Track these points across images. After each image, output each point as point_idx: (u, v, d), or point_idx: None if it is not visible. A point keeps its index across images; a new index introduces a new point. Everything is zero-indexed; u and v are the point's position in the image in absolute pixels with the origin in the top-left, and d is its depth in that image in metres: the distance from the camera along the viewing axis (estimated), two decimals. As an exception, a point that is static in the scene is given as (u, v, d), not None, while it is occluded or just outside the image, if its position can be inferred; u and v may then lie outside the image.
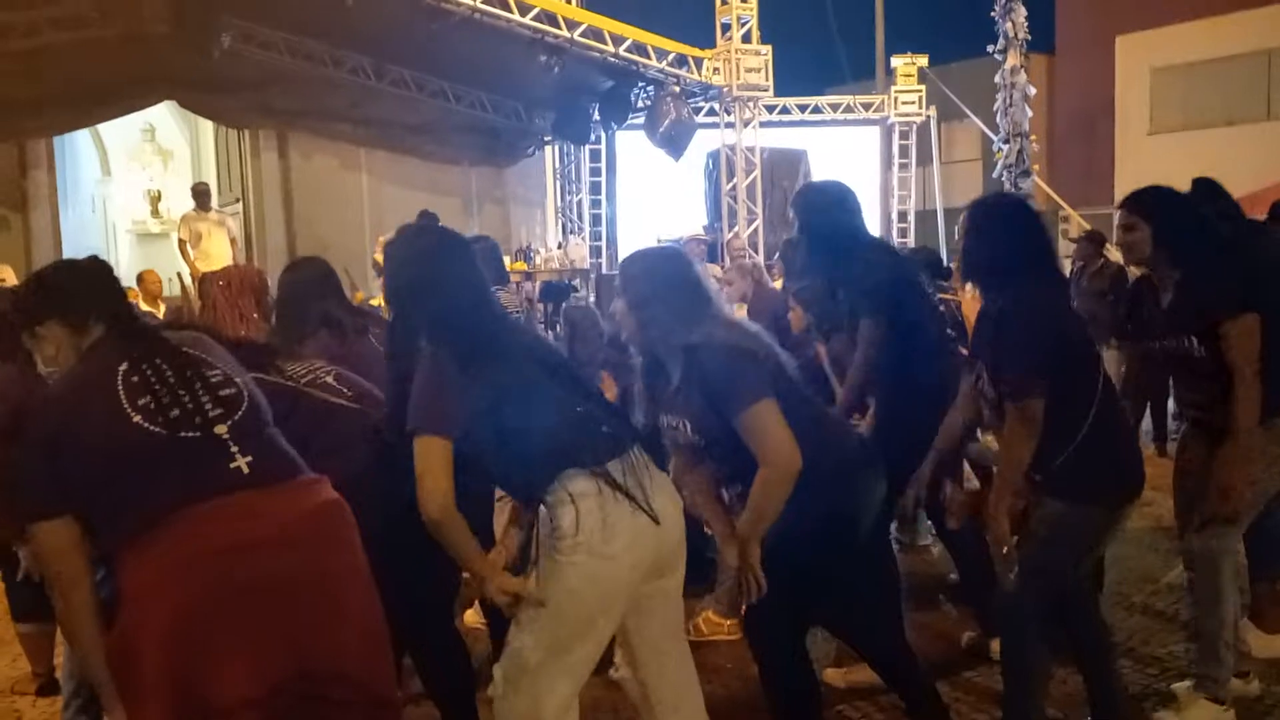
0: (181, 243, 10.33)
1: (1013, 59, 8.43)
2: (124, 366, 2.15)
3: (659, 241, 11.82)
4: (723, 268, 9.38)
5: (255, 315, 3.81)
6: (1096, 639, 3.16)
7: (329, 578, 2.14)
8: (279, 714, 2.04)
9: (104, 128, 13.18)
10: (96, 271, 2.39)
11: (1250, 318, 3.09)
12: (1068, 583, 3.02)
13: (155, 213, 14.41)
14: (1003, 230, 3.02)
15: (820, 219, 3.72)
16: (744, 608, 2.88)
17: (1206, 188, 3.87)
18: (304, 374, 2.81)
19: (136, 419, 2.09)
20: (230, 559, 2.02)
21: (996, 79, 8.59)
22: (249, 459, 2.13)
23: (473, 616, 4.23)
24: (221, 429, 2.14)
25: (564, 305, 10.17)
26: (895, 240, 13.97)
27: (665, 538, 2.50)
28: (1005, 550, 2.93)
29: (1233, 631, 3.32)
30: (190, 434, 2.11)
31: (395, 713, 2.34)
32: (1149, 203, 3.30)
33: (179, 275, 10.22)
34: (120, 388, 2.12)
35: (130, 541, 2.05)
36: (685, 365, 2.69)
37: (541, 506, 2.46)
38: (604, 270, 13.79)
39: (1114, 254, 9.36)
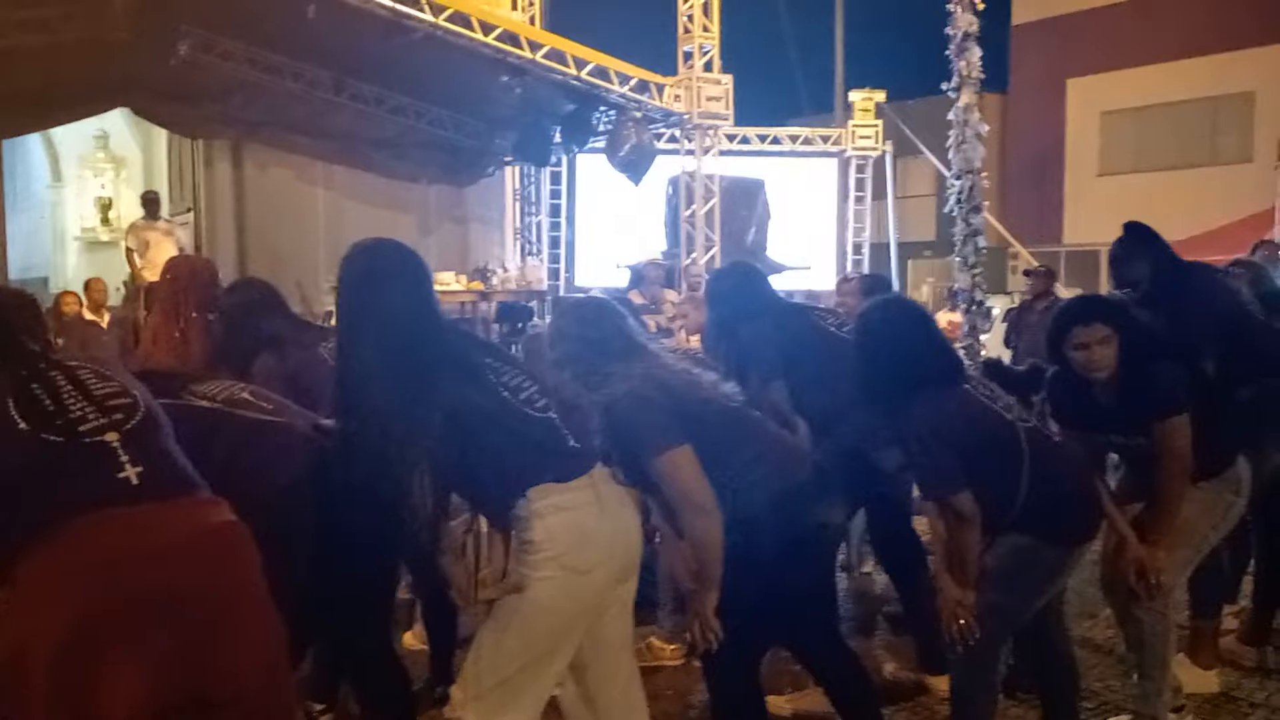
0: (129, 251, 10.21)
1: (966, 97, 8.56)
2: (12, 382, 2.13)
3: (618, 266, 11.88)
4: (679, 293, 9.43)
5: (194, 314, 3.78)
6: (1065, 677, 3.20)
7: (226, 597, 2.08)
8: None
9: (56, 134, 13.01)
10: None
11: (1183, 419, 3.17)
12: (1024, 621, 3.04)
13: (105, 220, 14.22)
14: (893, 347, 3.04)
15: (719, 309, 4.11)
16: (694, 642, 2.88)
17: (1138, 233, 3.96)
18: (220, 393, 2.76)
19: (22, 425, 2.06)
20: (122, 571, 1.98)
21: (950, 116, 8.72)
22: (139, 469, 2.07)
23: (412, 639, 4.18)
24: (111, 436, 2.09)
25: (525, 331, 10.15)
26: (850, 269, 14.13)
27: (631, 547, 2.55)
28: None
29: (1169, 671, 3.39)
30: (76, 440, 2.06)
31: None
32: (1119, 317, 3.28)
33: (124, 284, 10.07)
34: (8, 400, 2.10)
35: (19, 553, 2.00)
36: (600, 423, 2.72)
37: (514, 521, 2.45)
38: (561, 292, 13.78)
39: (1063, 291, 9.56)
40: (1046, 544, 2.96)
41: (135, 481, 2.06)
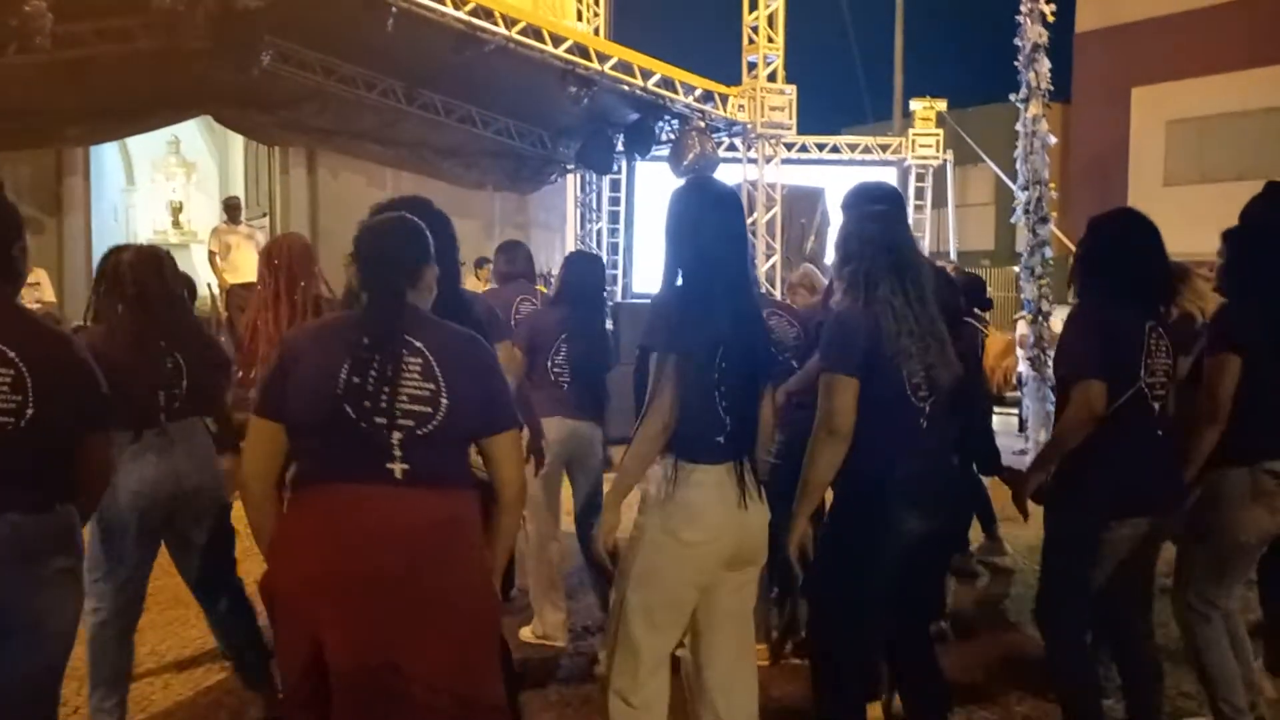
0: (211, 254, 10.53)
1: (1034, 108, 8.56)
2: (359, 341, 2.24)
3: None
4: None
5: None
6: (1143, 675, 3.23)
7: (424, 587, 2.19)
8: (360, 696, 2.14)
9: (130, 138, 13.38)
10: (385, 247, 2.40)
11: (1231, 358, 3.10)
12: (1085, 589, 3.07)
13: (176, 224, 14.62)
14: (1101, 243, 3.14)
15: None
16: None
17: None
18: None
19: (340, 390, 2.20)
20: (336, 544, 2.17)
21: (1017, 127, 8.72)
22: (406, 467, 2.22)
23: (528, 634, 4.38)
24: (397, 435, 2.22)
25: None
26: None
27: (746, 536, 2.70)
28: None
29: (1233, 683, 3.27)
30: (367, 425, 2.20)
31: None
32: (1235, 235, 3.43)
33: (209, 286, 10.38)
34: (347, 356, 2.22)
35: (290, 492, 2.27)
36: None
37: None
38: (619, 298, 13.92)
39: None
40: (1077, 515, 3.02)
41: (399, 476, 2.22)
